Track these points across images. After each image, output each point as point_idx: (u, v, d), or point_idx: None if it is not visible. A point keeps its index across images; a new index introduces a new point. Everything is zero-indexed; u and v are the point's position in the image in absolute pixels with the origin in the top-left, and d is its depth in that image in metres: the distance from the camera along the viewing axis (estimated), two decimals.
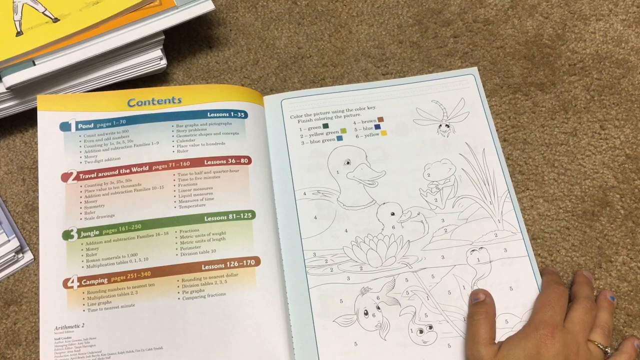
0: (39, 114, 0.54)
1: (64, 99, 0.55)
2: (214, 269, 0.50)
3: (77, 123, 0.54)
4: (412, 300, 0.51)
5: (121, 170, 0.53)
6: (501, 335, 0.50)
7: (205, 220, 0.51)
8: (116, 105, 0.55)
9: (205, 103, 0.55)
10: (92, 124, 0.54)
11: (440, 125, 0.58)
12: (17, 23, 0.55)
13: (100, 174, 0.53)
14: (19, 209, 0.56)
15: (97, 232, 0.51)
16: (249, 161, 0.54)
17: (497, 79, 0.61)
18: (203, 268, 0.50)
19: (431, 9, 0.65)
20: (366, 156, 0.57)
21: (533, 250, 0.53)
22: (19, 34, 0.54)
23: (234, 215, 0.52)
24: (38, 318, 0.50)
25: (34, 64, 0.53)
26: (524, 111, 0.60)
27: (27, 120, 0.58)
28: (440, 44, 0.63)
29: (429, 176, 0.56)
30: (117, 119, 0.54)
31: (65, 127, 0.54)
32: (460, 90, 0.60)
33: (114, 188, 0.52)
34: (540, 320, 0.47)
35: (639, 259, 0.54)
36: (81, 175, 0.53)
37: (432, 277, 0.52)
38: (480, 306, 0.50)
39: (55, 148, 0.53)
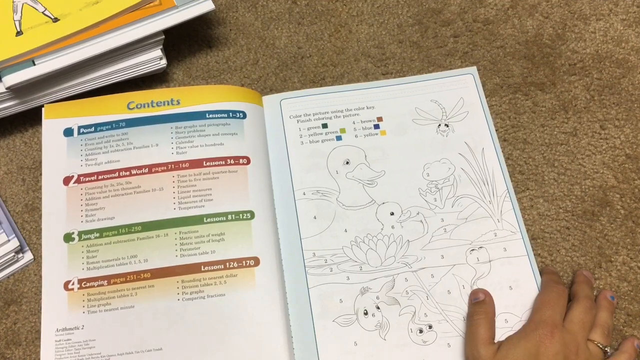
0: (45, 122, 0.54)
1: (68, 106, 0.55)
2: (214, 270, 0.50)
3: (79, 128, 0.54)
4: (412, 300, 0.52)
5: (121, 173, 0.53)
6: (501, 334, 0.50)
7: (205, 221, 0.51)
8: (116, 108, 0.55)
9: (203, 104, 0.55)
10: (93, 128, 0.54)
11: (440, 125, 0.58)
12: (17, 23, 0.55)
13: (100, 177, 0.53)
14: (18, 209, 0.56)
15: (98, 234, 0.51)
16: (248, 161, 0.54)
17: (497, 79, 0.61)
18: (202, 269, 0.50)
19: (431, 9, 0.65)
20: (365, 156, 0.57)
21: (533, 250, 0.53)
22: (18, 33, 0.54)
23: (233, 215, 0.52)
24: (38, 318, 0.50)
25: (34, 64, 0.53)
26: (524, 111, 0.60)
27: (27, 120, 0.58)
28: (440, 44, 0.63)
29: (428, 176, 0.56)
30: (117, 122, 0.54)
31: (68, 132, 0.54)
32: (459, 90, 0.59)
33: (114, 190, 0.52)
34: (540, 319, 0.47)
35: (639, 259, 0.54)
36: (82, 178, 0.53)
37: (432, 277, 0.52)
38: (480, 306, 0.50)
39: (58, 153, 0.53)
